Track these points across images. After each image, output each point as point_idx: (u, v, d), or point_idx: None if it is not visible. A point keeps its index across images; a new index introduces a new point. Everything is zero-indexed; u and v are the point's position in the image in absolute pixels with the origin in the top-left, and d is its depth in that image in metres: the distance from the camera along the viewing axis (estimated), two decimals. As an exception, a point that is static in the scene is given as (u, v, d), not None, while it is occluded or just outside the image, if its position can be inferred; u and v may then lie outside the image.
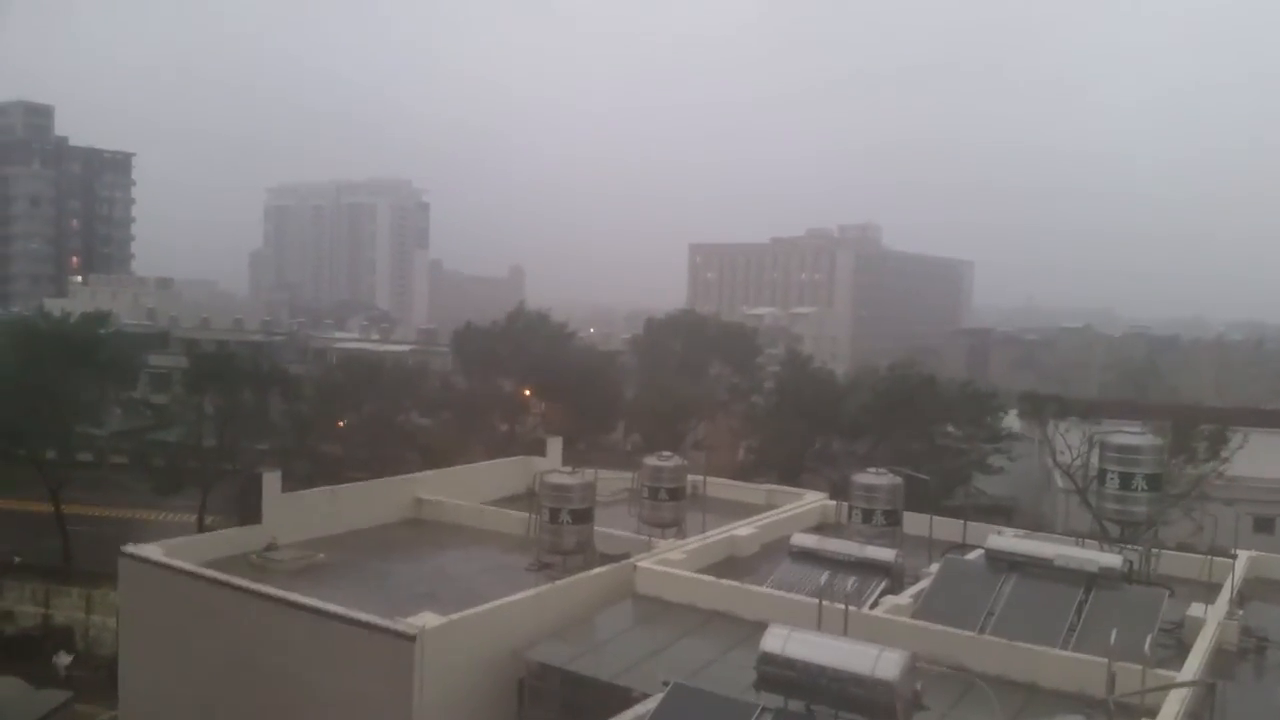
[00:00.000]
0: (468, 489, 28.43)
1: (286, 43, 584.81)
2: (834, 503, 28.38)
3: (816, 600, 15.94)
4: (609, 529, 23.01)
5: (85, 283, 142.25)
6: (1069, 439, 47.24)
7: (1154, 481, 20.18)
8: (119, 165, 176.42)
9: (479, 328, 66.32)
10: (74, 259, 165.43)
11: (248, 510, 23.19)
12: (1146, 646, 13.77)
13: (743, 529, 24.57)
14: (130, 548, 21.17)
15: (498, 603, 18.12)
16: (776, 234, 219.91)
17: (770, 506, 28.50)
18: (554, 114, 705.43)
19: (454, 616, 17.09)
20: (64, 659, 41.46)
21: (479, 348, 64.32)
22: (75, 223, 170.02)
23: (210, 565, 20.44)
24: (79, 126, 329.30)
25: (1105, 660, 13.09)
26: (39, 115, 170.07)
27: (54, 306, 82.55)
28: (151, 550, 20.90)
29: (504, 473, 30.78)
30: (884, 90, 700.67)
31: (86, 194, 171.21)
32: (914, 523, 23.94)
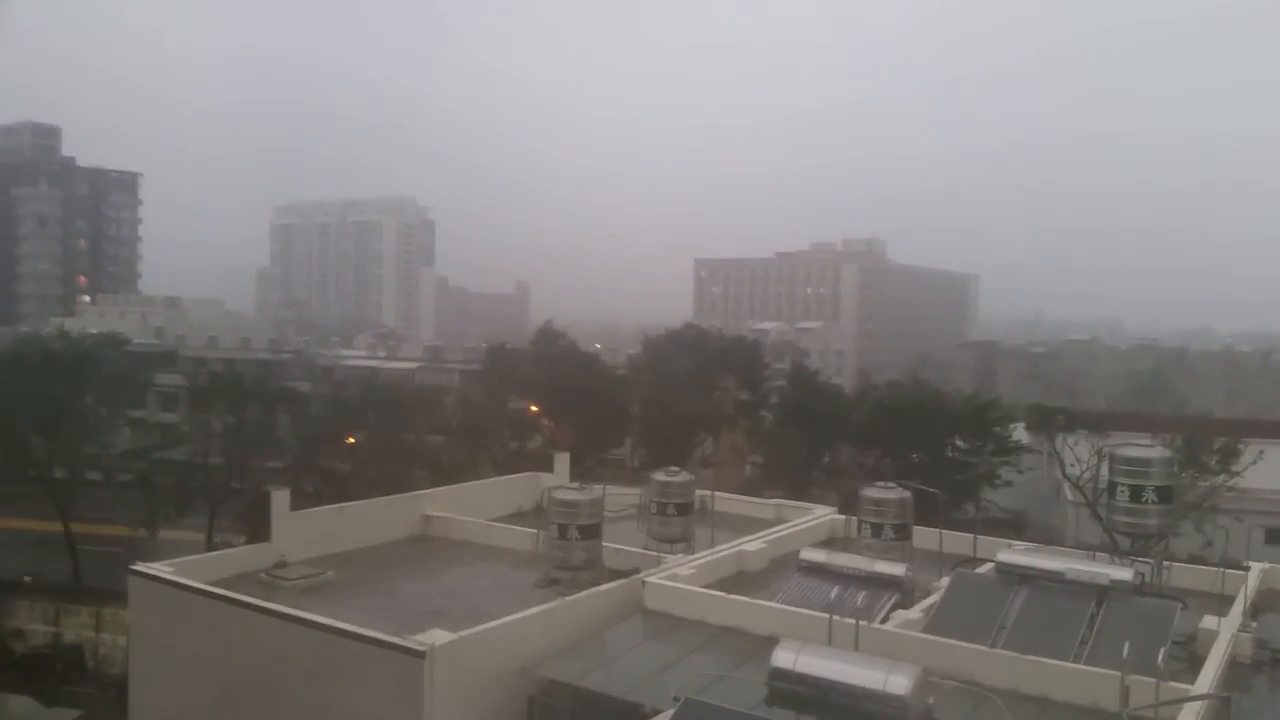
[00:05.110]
0: (476, 506, 28.38)
1: (288, 53, 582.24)
2: (843, 517, 28.28)
3: (827, 615, 15.91)
4: (617, 545, 22.95)
5: (93, 302, 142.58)
6: (1078, 451, 47.20)
7: (1164, 494, 20.09)
8: (126, 185, 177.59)
9: (510, 349, 67.95)
10: (81, 279, 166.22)
11: (256, 528, 23.20)
12: (1159, 659, 13.69)
13: (751, 544, 24.50)
14: (139, 566, 21.19)
15: (507, 619, 18.08)
16: (781, 248, 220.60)
17: (779, 521, 28.41)
18: (561, 119, 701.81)
19: (463, 633, 17.06)
20: None
21: (508, 368, 65.01)
22: (82, 242, 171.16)
23: (219, 583, 20.43)
24: (86, 147, 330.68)
25: (1118, 673, 13.05)
26: (46, 136, 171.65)
27: (62, 326, 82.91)
28: (161, 568, 20.91)
29: (512, 489, 30.75)
30: (881, 107, 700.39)
31: (94, 214, 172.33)
32: (924, 537, 23.85)
